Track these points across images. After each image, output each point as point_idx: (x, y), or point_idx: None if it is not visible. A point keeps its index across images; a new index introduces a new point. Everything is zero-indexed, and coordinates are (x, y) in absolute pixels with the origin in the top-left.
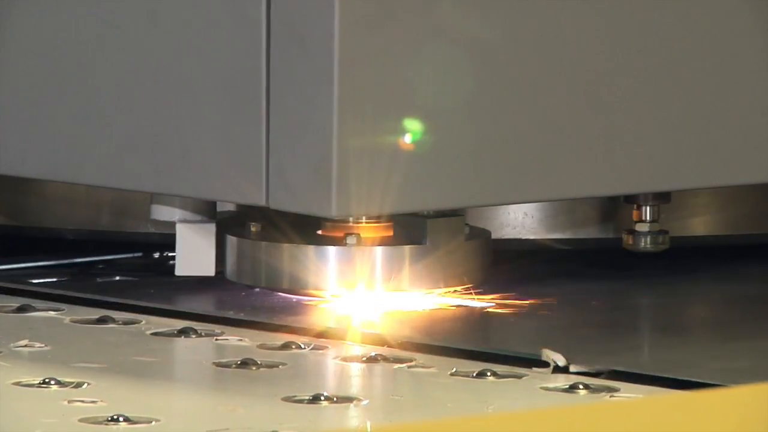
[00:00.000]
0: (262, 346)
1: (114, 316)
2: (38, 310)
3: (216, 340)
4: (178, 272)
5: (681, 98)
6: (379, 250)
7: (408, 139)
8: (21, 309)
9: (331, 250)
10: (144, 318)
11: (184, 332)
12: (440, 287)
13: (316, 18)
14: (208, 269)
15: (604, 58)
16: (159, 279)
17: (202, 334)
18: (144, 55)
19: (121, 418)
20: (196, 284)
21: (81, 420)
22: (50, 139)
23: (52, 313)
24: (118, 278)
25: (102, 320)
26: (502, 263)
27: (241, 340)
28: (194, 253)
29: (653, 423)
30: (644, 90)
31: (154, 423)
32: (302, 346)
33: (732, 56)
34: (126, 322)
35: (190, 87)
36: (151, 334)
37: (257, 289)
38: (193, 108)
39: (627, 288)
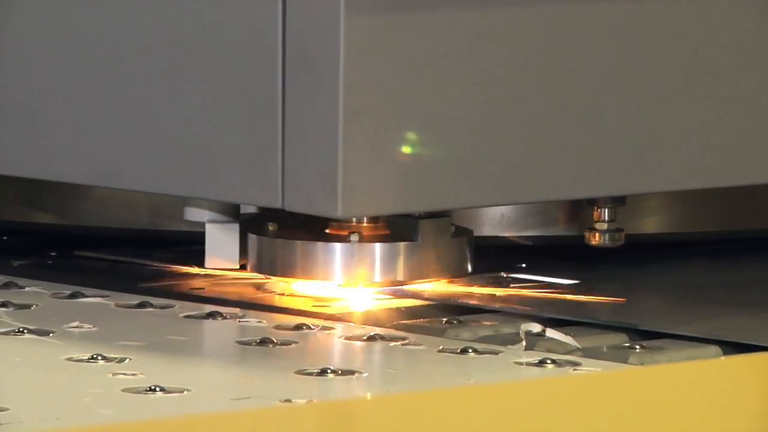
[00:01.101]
0: (277, 327)
1: (152, 302)
2: (87, 297)
3: (239, 321)
4: (207, 265)
5: (655, 109)
6: (378, 246)
7: (404, 150)
8: (72, 296)
9: (337, 246)
10: (178, 303)
11: (211, 315)
12: (429, 278)
13: (324, 45)
14: (233, 263)
15: (592, 72)
16: (192, 270)
17: (227, 317)
18: (173, 73)
19: (157, 389)
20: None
21: (123, 390)
22: (90, 145)
23: (99, 299)
24: (157, 268)
25: (141, 305)
26: (493, 257)
27: (260, 322)
28: (221, 248)
29: (606, 393)
30: (616, 102)
31: (185, 393)
32: (312, 327)
33: (717, 58)
34: (162, 307)
35: (216, 105)
36: (184, 317)
37: (273, 279)
38: (218, 122)
39: (594, 278)
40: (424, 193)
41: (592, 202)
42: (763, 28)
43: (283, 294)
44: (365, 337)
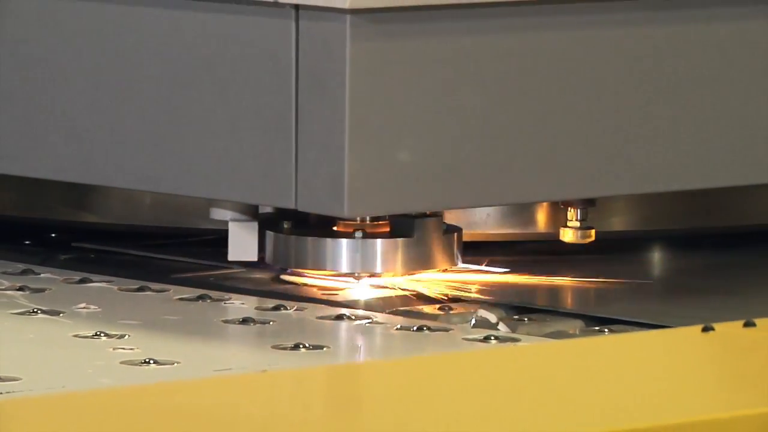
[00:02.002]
0: (258, 308)
1: (150, 287)
2: (94, 282)
3: (224, 303)
4: (229, 258)
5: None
6: (379, 242)
7: (402, 158)
8: (81, 281)
9: (343, 242)
10: (172, 288)
11: (201, 298)
12: (423, 270)
13: (332, 66)
14: (252, 256)
15: (567, 94)
16: (215, 263)
17: (215, 299)
18: (202, 92)
19: (151, 361)
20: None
21: (121, 362)
22: (130, 154)
23: (104, 284)
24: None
25: (141, 289)
26: (478, 251)
27: (243, 303)
28: (242, 244)
29: (533, 364)
30: (587, 120)
31: (175, 364)
32: (287, 307)
33: (681, 67)
34: (158, 291)
35: (238, 118)
36: (177, 299)
37: (288, 270)
38: (239, 134)
39: (566, 268)
40: (419, 195)
41: (566, 204)
42: (725, 36)
43: (296, 284)
44: (334, 316)
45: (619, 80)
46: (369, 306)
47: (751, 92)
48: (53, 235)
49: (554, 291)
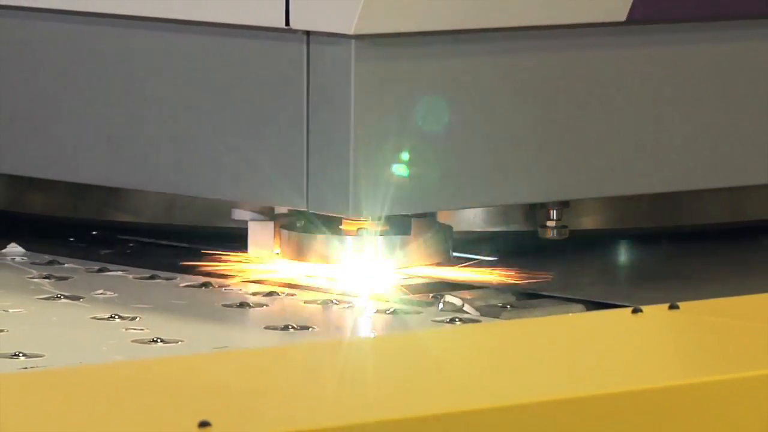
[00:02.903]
0: (254, 294)
1: (160, 275)
2: (111, 271)
3: (224, 289)
4: (249, 253)
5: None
6: (380, 239)
7: (401, 164)
8: (100, 270)
9: (349, 239)
10: (179, 276)
11: (204, 285)
12: (418, 264)
13: (339, 84)
14: (269, 251)
15: (550, 110)
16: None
17: (216, 286)
18: (226, 107)
19: (158, 340)
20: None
21: (132, 341)
22: (163, 162)
23: (120, 273)
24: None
25: (151, 277)
26: (466, 247)
27: (240, 290)
28: (260, 240)
29: (485, 340)
30: (564, 133)
31: (179, 343)
32: (279, 293)
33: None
34: (167, 278)
35: (256, 129)
36: (183, 286)
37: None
38: (257, 143)
39: (545, 263)
40: (416, 198)
41: (544, 205)
42: (701, 51)
43: (306, 275)
44: (320, 301)
45: (596, 100)
46: (355, 293)
47: (718, 105)
48: (94, 232)
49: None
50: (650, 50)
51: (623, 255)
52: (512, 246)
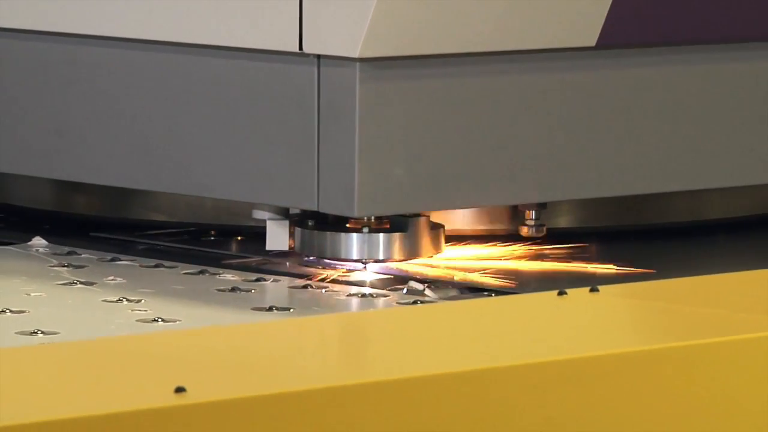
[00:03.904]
0: (244, 280)
1: (164, 264)
2: (122, 260)
3: (218, 276)
4: (267, 248)
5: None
6: (381, 236)
7: (399, 171)
8: (112, 260)
9: (354, 235)
10: (180, 264)
11: (201, 272)
12: (413, 258)
13: (345, 99)
14: (284, 247)
15: (535, 122)
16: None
17: (212, 273)
18: (246, 118)
19: (159, 319)
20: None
21: (137, 320)
22: (189, 168)
23: (129, 262)
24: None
25: (156, 266)
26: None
27: (233, 276)
28: (276, 237)
29: (433, 318)
30: (543, 144)
31: (177, 322)
32: (266, 279)
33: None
34: (170, 267)
35: (273, 138)
36: (183, 273)
37: (311, 258)
38: (273, 151)
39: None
40: (413, 200)
41: (524, 206)
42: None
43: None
44: (300, 286)
45: (572, 114)
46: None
47: (682, 118)
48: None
49: (516, 273)
50: (618, 71)
51: (593, 249)
52: (496, 241)
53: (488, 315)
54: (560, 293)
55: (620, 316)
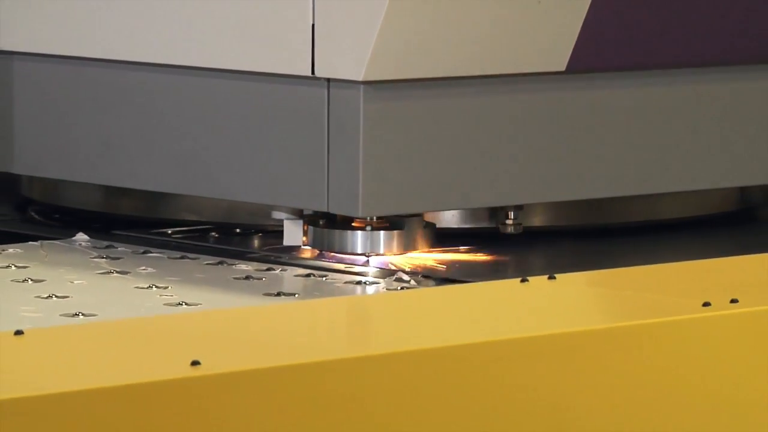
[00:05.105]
0: (256, 269)
1: (189, 256)
2: (152, 253)
3: (234, 266)
4: (284, 243)
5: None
6: (382, 233)
7: (397, 177)
8: (144, 252)
9: (359, 233)
10: (202, 256)
11: (220, 263)
12: (409, 251)
13: (351, 117)
14: (298, 242)
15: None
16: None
17: (229, 264)
18: (264, 130)
19: (183, 303)
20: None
21: (164, 304)
22: (204, 169)
23: (158, 255)
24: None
25: (182, 257)
26: (446, 239)
27: (247, 266)
28: (292, 234)
29: (413, 301)
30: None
31: (199, 306)
32: (275, 269)
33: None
34: (193, 258)
35: (289, 150)
36: (205, 264)
37: (322, 252)
38: (289, 161)
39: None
40: (409, 202)
41: (503, 207)
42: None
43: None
44: (305, 275)
45: (546, 130)
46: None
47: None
48: (169, 231)
49: (492, 264)
50: (585, 93)
51: (567, 246)
52: (479, 237)
53: (465, 298)
54: (523, 280)
55: (575, 300)
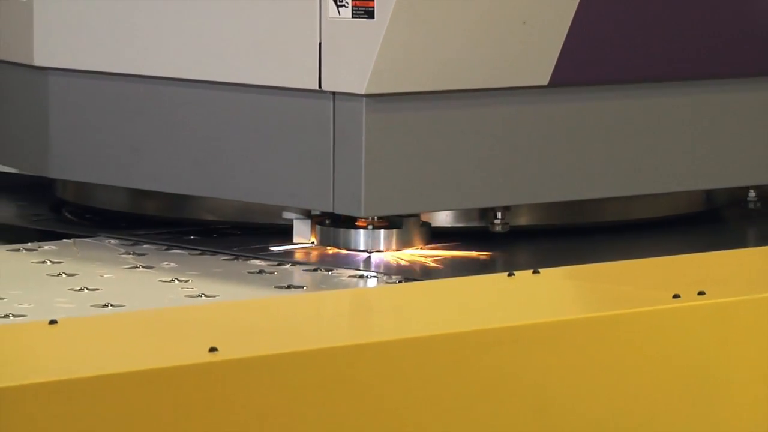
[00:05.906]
0: (268, 265)
1: (208, 252)
2: (174, 250)
3: (249, 262)
4: (294, 241)
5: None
6: (382, 231)
7: (397, 180)
8: (167, 249)
9: (361, 231)
10: (220, 253)
11: (236, 258)
12: (408, 248)
13: (354, 127)
14: (307, 241)
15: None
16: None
17: (243, 259)
18: (276, 138)
19: (203, 295)
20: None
21: (185, 296)
22: (218, 172)
23: (180, 251)
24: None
25: (202, 253)
26: (441, 238)
27: (260, 262)
28: (301, 233)
29: (404, 294)
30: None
31: (217, 298)
32: (285, 264)
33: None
34: (212, 254)
35: (298, 156)
36: (222, 260)
37: (329, 250)
38: (298, 166)
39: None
40: (407, 203)
41: (492, 208)
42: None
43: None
44: (312, 269)
45: (533, 138)
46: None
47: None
48: (186, 230)
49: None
50: (567, 105)
51: (551, 244)
52: (470, 236)
53: (457, 291)
54: (510, 274)
55: (557, 292)
